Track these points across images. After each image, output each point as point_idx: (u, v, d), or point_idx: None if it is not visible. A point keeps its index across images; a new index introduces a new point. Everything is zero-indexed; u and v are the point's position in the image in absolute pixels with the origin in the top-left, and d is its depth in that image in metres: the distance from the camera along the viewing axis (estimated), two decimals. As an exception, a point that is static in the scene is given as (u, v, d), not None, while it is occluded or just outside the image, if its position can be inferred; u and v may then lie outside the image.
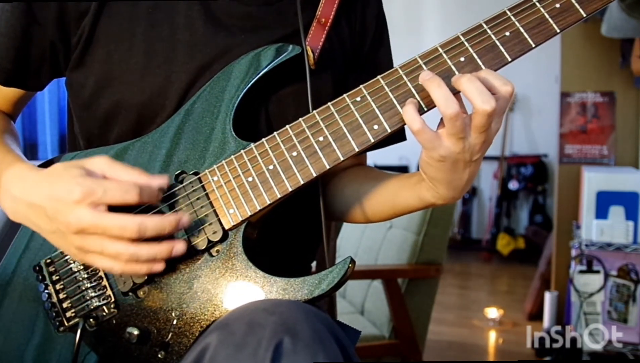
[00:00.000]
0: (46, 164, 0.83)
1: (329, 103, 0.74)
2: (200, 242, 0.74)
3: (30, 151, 3.48)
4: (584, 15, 0.70)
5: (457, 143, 0.68)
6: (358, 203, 0.89)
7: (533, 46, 0.71)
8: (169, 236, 0.70)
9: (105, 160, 0.71)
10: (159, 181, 0.71)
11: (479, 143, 0.69)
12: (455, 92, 0.69)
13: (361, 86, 0.73)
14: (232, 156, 0.75)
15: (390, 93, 0.72)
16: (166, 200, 0.76)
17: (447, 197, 0.76)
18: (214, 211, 0.74)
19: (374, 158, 1.07)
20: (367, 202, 0.88)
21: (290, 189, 0.73)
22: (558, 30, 0.70)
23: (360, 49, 0.93)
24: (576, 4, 0.70)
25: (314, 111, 0.74)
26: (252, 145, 0.75)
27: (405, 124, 0.72)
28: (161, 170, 0.78)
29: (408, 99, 0.71)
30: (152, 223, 0.67)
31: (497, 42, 0.70)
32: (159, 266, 0.70)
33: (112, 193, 0.66)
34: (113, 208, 0.67)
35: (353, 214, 0.91)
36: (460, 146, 0.68)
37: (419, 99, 0.71)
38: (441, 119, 0.69)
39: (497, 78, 0.68)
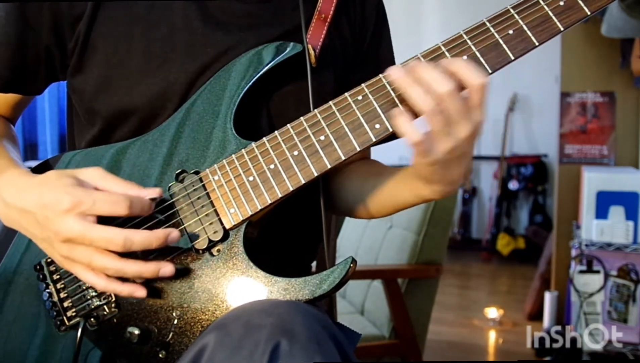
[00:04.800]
0: (45, 164, 0.83)
1: (331, 102, 0.73)
2: (201, 241, 0.73)
3: (30, 151, 3.48)
4: (588, 13, 0.70)
5: (445, 141, 0.67)
6: (361, 199, 0.89)
7: (537, 44, 0.70)
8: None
9: (98, 172, 0.71)
10: (151, 193, 0.71)
11: (464, 135, 0.67)
12: None
13: (363, 85, 0.73)
14: (233, 155, 0.75)
15: (392, 92, 0.72)
16: (167, 200, 0.76)
17: (443, 192, 0.75)
18: (215, 210, 0.74)
19: (374, 157, 1.07)
20: (369, 198, 0.87)
21: (291, 189, 0.73)
22: (562, 28, 0.70)
23: (361, 44, 0.92)
24: (580, 2, 0.70)
25: (315, 110, 0.74)
26: (253, 144, 0.75)
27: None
28: (162, 169, 0.78)
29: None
30: (139, 237, 0.67)
31: (500, 40, 0.70)
32: (142, 292, 0.70)
33: (101, 205, 0.67)
34: (105, 221, 0.67)
35: (357, 210, 0.91)
36: (448, 144, 0.67)
37: None
38: None
39: (439, 76, 0.65)
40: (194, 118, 0.79)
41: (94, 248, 0.67)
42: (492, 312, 3.26)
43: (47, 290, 0.77)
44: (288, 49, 0.80)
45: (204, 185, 0.75)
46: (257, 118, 0.83)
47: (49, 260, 0.78)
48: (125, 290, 0.70)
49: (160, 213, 0.75)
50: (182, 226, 0.74)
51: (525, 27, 0.70)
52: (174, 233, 0.69)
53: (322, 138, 0.73)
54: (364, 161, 0.96)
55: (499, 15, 0.71)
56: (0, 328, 0.78)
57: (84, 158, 0.81)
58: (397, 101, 0.71)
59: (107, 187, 0.70)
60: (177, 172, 0.77)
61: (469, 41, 0.71)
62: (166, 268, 0.70)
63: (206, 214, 0.74)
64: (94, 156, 0.81)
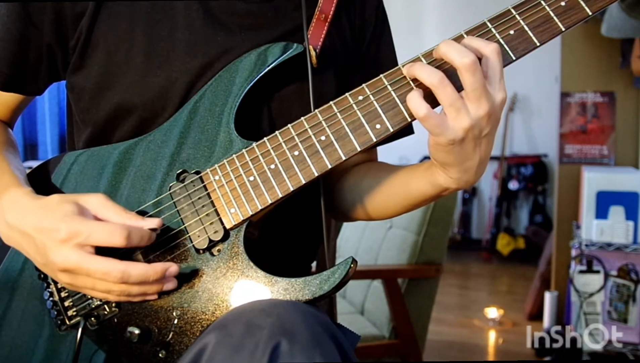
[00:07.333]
0: (46, 164, 0.82)
1: (331, 102, 0.73)
2: (202, 241, 0.73)
3: (30, 151, 3.47)
4: (590, 13, 0.69)
5: (459, 117, 0.66)
6: (373, 198, 0.88)
7: (538, 44, 0.70)
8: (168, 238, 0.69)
9: (100, 199, 0.71)
10: (151, 223, 0.71)
11: (483, 114, 0.67)
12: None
13: (364, 85, 0.73)
14: (234, 155, 0.75)
15: (392, 92, 0.72)
16: (168, 200, 0.76)
17: (461, 180, 0.74)
18: (215, 210, 0.74)
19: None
20: (381, 196, 0.86)
21: (291, 189, 0.73)
22: (563, 29, 0.70)
23: (361, 44, 0.92)
24: (582, 2, 0.70)
25: (316, 111, 0.74)
26: (254, 144, 0.75)
27: (408, 123, 0.72)
28: (166, 170, 0.78)
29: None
30: (137, 271, 0.68)
31: (501, 40, 0.70)
32: (152, 297, 0.72)
33: (98, 235, 0.67)
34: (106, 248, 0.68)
35: (369, 210, 0.89)
36: (464, 121, 0.67)
37: None
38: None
39: (476, 40, 0.68)
40: (197, 118, 0.79)
41: (93, 277, 0.68)
42: (492, 312, 3.26)
43: (48, 289, 0.77)
44: (289, 50, 0.80)
45: (204, 185, 0.75)
46: (258, 118, 0.83)
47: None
48: (137, 298, 0.71)
49: (161, 213, 0.75)
50: (183, 226, 0.75)
51: (526, 28, 0.70)
52: (173, 267, 0.70)
53: (323, 138, 0.73)
54: (372, 162, 0.96)
55: (500, 16, 0.71)
56: (7, 328, 0.78)
57: (89, 158, 0.81)
58: (397, 101, 0.71)
59: (106, 216, 0.70)
60: (178, 172, 0.77)
61: (470, 41, 0.70)
62: (169, 285, 0.71)
63: (207, 214, 0.74)
64: (98, 156, 0.80)
